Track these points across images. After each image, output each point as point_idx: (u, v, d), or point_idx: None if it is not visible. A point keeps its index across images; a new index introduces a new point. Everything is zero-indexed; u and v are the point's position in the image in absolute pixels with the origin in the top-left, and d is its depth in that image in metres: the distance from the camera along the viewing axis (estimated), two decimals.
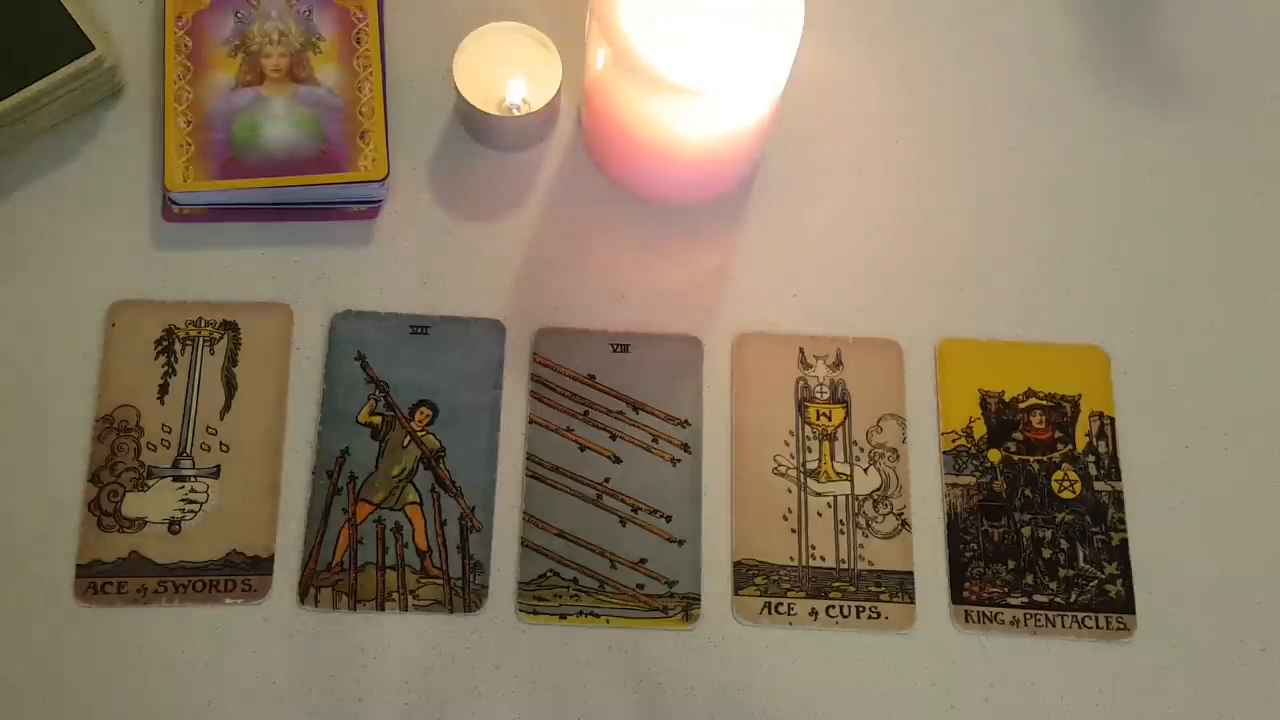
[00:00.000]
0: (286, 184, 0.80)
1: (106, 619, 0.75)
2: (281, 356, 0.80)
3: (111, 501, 0.76)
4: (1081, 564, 0.78)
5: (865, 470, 0.80)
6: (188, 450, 0.78)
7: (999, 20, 0.90)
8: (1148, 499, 0.80)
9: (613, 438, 0.79)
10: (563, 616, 0.76)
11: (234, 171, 0.80)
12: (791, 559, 0.78)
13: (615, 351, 0.81)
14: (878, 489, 0.79)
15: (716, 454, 0.80)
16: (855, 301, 0.83)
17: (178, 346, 0.79)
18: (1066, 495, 0.80)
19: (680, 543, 0.78)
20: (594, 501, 0.78)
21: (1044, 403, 0.81)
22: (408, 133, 0.84)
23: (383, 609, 0.76)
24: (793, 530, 0.78)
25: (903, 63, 0.89)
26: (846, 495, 0.79)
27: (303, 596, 0.76)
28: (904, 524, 0.79)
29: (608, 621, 0.76)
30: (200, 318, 0.80)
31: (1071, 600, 0.78)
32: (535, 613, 0.76)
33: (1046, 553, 0.78)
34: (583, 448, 0.79)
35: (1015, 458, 0.80)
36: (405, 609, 0.76)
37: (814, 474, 0.79)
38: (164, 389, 0.79)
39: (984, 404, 0.81)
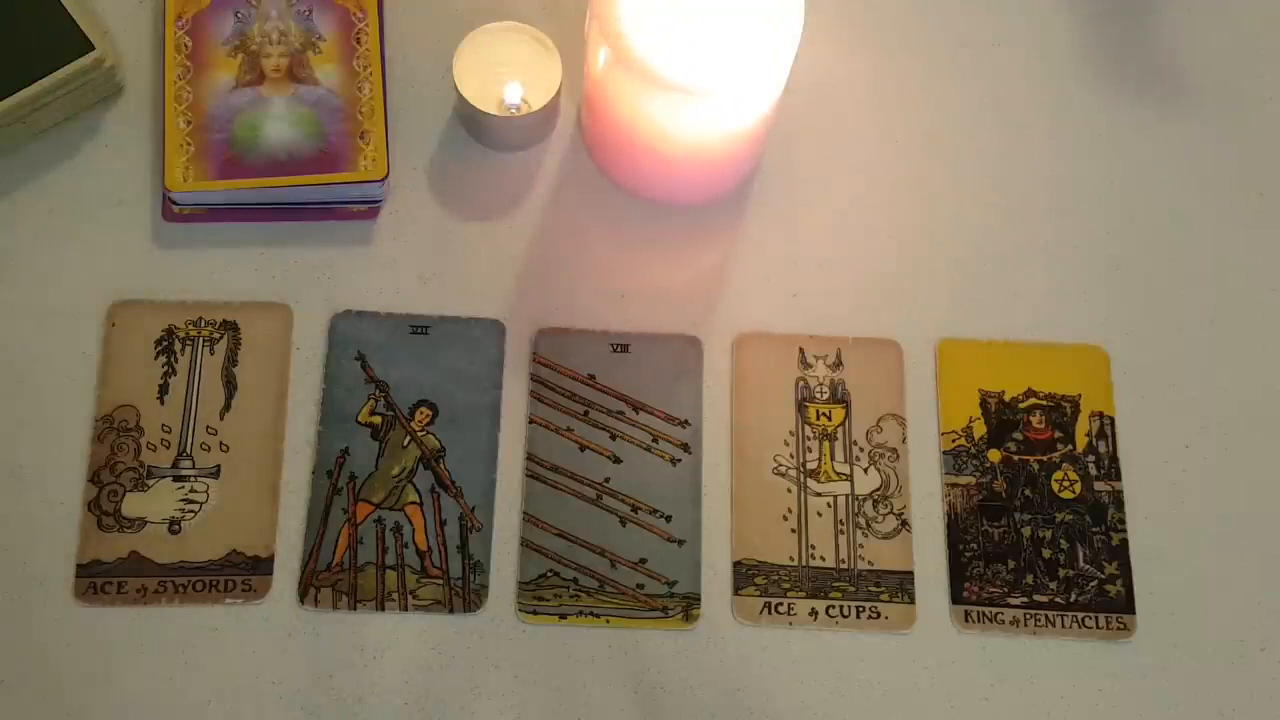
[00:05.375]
0: (286, 184, 0.80)
1: (106, 619, 0.75)
2: (281, 356, 0.80)
3: (111, 501, 0.76)
4: (1081, 564, 0.78)
5: (865, 470, 0.80)
6: (188, 450, 0.78)
7: (999, 20, 0.90)
8: (1148, 499, 0.80)
9: (613, 438, 0.79)
10: (563, 616, 0.76)
11: (234, 171, 0.80)
12: (791, 559, 0.78)
13: (615, 351, 0.81)
14: (878, 489, 0.79)
15: (716, 454, 0.80)
16: (855, 301, 0.83)
17: (178, 346, 0.79)
18: (1066, 495, 0.80)
19: (680, 543, 0.78)
20: (594, 501, 0.78)
21: (1044, 403, 0.81)
22: (408, 133, 0.84)
23: (383, 609, 0.76)
24: (792, 530, 0.78)
25: (903, 63, 0.89)
26: (846, 495, 0.79)
27: (303, 596, 0.76)
28: (904, 524, 0.79)
29: (608, 621, 0.76)
30: (200, 318, 0.80)
31: (1071, 600, 0.78)
32: (535, 613, 0.76)
33: (1046, 553, 0.78)
34: (583, 448, 0.79)
35: (1015, 458, 0.80)
36: (405, 609, 0.76)
37: (814, 474, 0.79)
38: (164, 389, 0.79)
39: (984, 404, 0.81)
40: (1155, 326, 0.83)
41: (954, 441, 0.80)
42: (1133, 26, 0.90)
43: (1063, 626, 0.77)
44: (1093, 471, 0.80)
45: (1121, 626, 0.77)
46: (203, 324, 0.80)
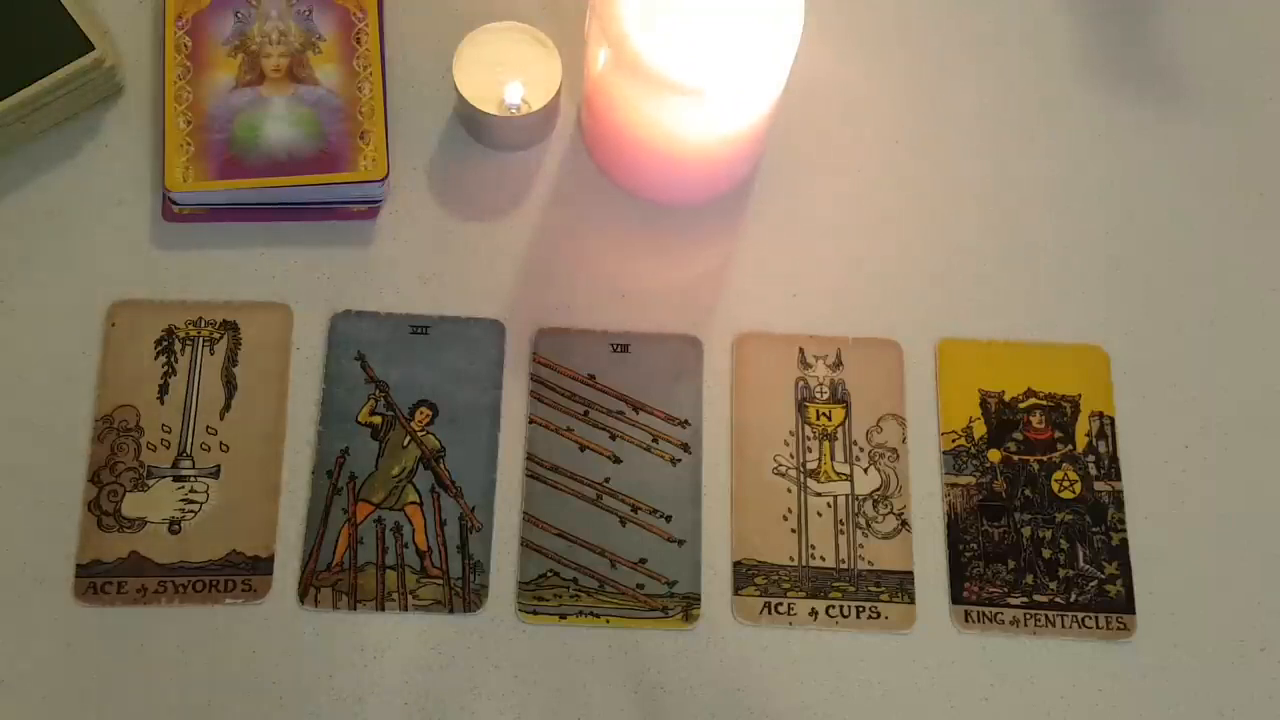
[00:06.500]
0: (286, 184, 0.80)
1: (106, 619, 0.75)
2: (281, 356, 0.80)
3: (111, 501, 0.76)
4: (1081, 564, 0.78)
5: (865, 470, 0.80)
6: (188, 450, 0.78)
7: (999, 20, 0.90)
8: (1148, 499, 0.80)
9: (613, 438, 0.79)
10: (563, 616, 0.76)
11: (234, 171, 0.80)
12: (791, 559, 0.78)
13: (615, 351, 0.81)
14: (878, 489, 0.79)
15: (716, 454, 0.80)
16: (855, 301, 0.83)
17: (177, 346, 0.79)
18: (1066, 495, 0.80)
19: (680, 543, 0.78)
20: (594, 501, 0.78)
21: (1044, 403, 0.81)
22: (408, 133, 0.84)
23: (383, 609, 0.76)
24: (792, 530, 0.78)
25: (903, 62, 0.89)
26: (846, 495, 0.79)
27: (303, 596, 0.76)
28: (904, 524, 0.79)
29: (608, 621, 0.76)
30: (200, 318, 0.80)
31: (1071, 600, 0.78)
32: (535, 613, 0.76)
33: (1046, 553, 0.78)
34: (583, 448, 0.79)
35: (1015, 458, 0.80)
36: (405, 609, 0.76)
37: (814, 474, 0.79)
38: (164, 389, 0.79)
39: (984, 404, 0.81)
40: (1155, 326, 0.83)
41: (954, 441, 0.80)
42: (1133, 26, 0.90)
43: (1063, 626, 0.77)
44: (1093, 471, 0.80)
45: (1121, 626, 0.77)
46: (203, 324, 0.80)
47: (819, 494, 0.79)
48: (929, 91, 0.88)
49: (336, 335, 0.80)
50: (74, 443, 0.77)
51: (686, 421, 0.80)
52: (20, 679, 0.74)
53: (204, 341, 0.80)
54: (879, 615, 0.77)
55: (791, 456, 0.80)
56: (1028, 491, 0.80)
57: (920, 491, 0.80)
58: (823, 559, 0.78)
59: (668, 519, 0.78)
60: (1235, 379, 0.82)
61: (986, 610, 0.77)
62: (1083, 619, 0.77)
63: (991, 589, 0.78)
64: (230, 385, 0.79)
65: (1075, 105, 0.88)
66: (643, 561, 0.77)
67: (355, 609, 0.76)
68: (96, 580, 0.75)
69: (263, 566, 0.76)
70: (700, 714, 0.75)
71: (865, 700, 0.76)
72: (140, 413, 0.78)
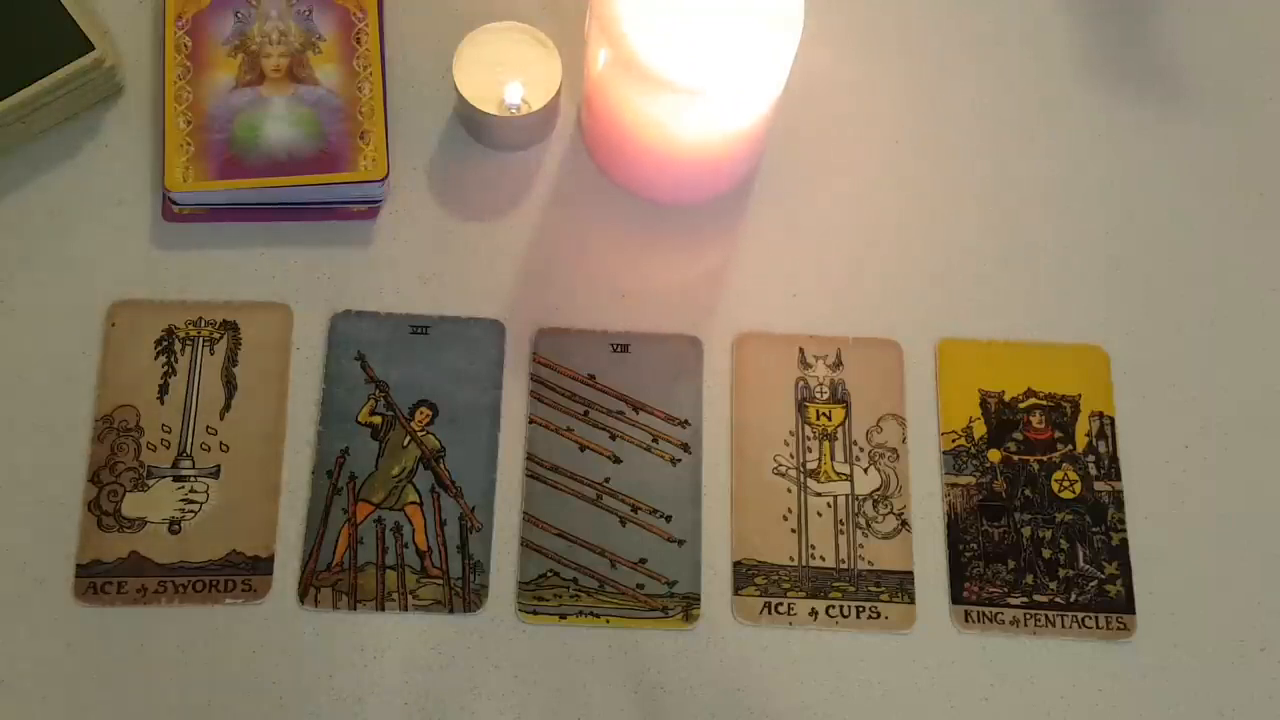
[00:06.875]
0: (286, 184, 0.80)
1: (106, 619, 0.75)
2: (281, 356, 0.80)
3: (111, 501, 0.76)
4: (1081, 564, 0.78)
5: (865, 470, 0.80)
6: (188, 450, 0.78)
7: (999, 21, 0.90)
8: (1148, 499, 0.80)
9: (613, 438, 0.79)
10: (562, 616, 0.76)
11: (234, 171, 0.80)
12: (791, 559, 0.78)
13: (615, 351, 0.81)
14: (878, 489, 0.79)
15: (716, 454, 0.80)
16: (855, 301, 0.83)
17: (177, 346, 0.79)
18: (1066, 495, 0.80)
19: (680, 543, 0.78)
20: (594, 501, 0.78)
21: (1044, 403, 0.81)
22: (408, 133, 0.84)
23: (383, 609, 0.76)
24: (792, 530, 0.78)
25: (903, 63, 0.89)
26: (846, 495, 0.79)
27: (303, 596, 0.76)
28: (904, 524, 0.79)
29: (608, 621, 0.76)
30: (200, 318, 0.80)
31: (1071, 600, 0.78)
32: (535, 613, 0.76)
33: (1046, 553, 0.78)
34: (583, 448, 0.79)
35: (1015, 458, 0.80)
36: (405, 609, 0.76)
37: (814, 474, 0.79)
38: (164, 389, 0.79)
39: (984, 404, 0.81)
40: (1155, 326, 0.83)
41: (954, 441, 0.80)
42: (1133, 26, 0.90)
43: (1063, 626, 0.77)
44: (1093, 471, 0.80)
45: (1121, 626, 0.77)
46: (203, 324, 0.80)
47: (819, 494, 0.79)
48: (929, 91, 0.88)
49: (336, 335, 0.80)
50: (74, 443, 0.77)
51: (686, 421, 0.80)
52: (20, 679, 0.74)
53: (204, 341, 0.80)
54: (879, 615, 0.77)
55: (791, 456, 0.80)
56: (1028, 491, 0.80)
57: (920, 491, 0.80)
58: (823, 559, 0.78)
59: (668, 519, 0.78)
60: (1235, 379, 0.82)
61: (986, 610, 0.77)
62: (1083, 619, 0.77)
63: (991, 589, 0.78)
64: (230, 385, 0.79)
65: (1075, 105, 0.88)
66: (643, 561, 0.77)
67: (355, 609, 0.76)
68: (96, 580, 0.75)
69: (263, 566, 0.76)
70: (700, 714, 0.75)
71: (865, 700, 0.76)
72: (140, 413, 0.78)
